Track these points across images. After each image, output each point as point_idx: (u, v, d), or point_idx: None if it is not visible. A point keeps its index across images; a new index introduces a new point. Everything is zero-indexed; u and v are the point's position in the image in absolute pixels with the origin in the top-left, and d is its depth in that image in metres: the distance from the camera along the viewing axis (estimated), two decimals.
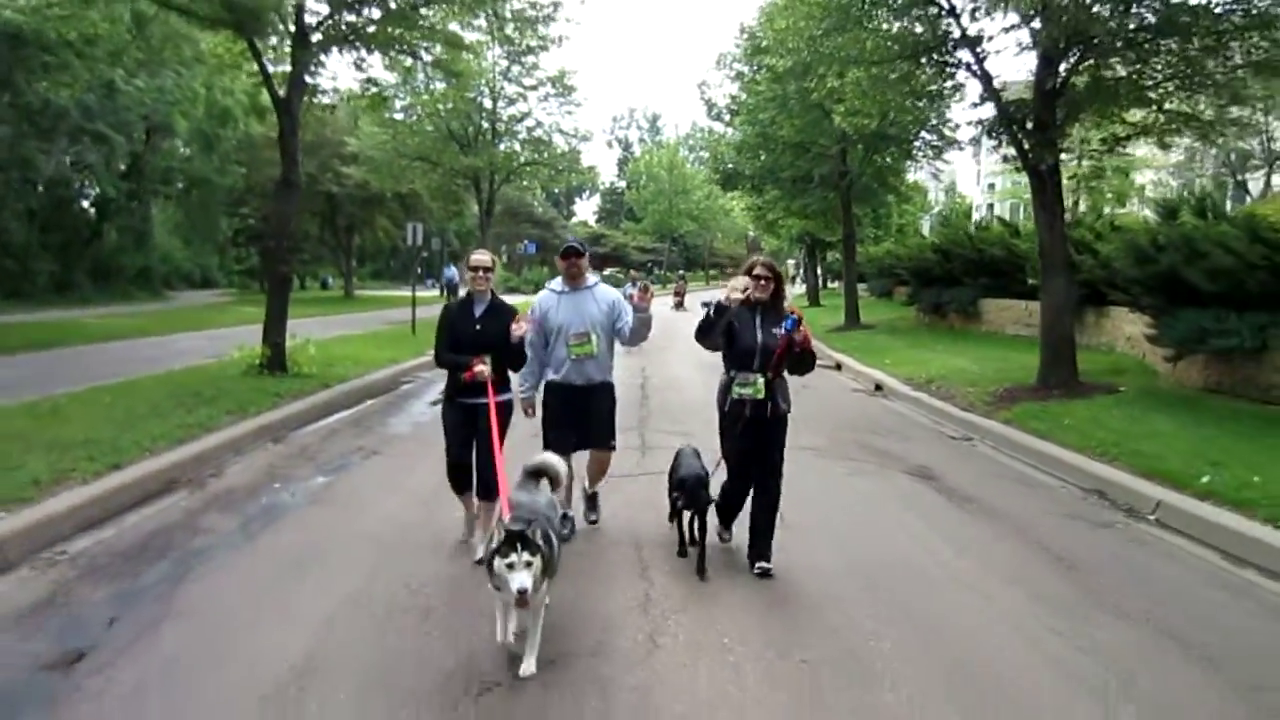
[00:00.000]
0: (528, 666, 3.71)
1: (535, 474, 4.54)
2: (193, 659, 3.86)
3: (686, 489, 5.07)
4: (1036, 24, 10.00)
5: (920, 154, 22.44)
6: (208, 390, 10.18)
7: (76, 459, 6.70)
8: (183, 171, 36.13)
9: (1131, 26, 9.70)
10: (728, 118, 27.08)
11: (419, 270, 42.02)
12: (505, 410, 5.31)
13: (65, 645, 3.99)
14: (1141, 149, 20.27)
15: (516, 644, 3.86)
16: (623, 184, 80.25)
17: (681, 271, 49.17)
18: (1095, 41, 9.94)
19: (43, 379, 11.02)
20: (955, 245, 20.79)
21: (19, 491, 5.85)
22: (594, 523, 5.89)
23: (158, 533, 5.72)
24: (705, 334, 5.04)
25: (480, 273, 5.33)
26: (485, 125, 24.91)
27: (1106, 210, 28.64)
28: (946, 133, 20.65)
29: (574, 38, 45.04)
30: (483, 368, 5.10)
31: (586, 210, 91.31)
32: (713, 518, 5.35)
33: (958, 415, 10.51)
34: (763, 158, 23.55)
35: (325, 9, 11.38)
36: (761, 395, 4.97)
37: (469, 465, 5.32)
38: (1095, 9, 9.52)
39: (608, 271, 49.36)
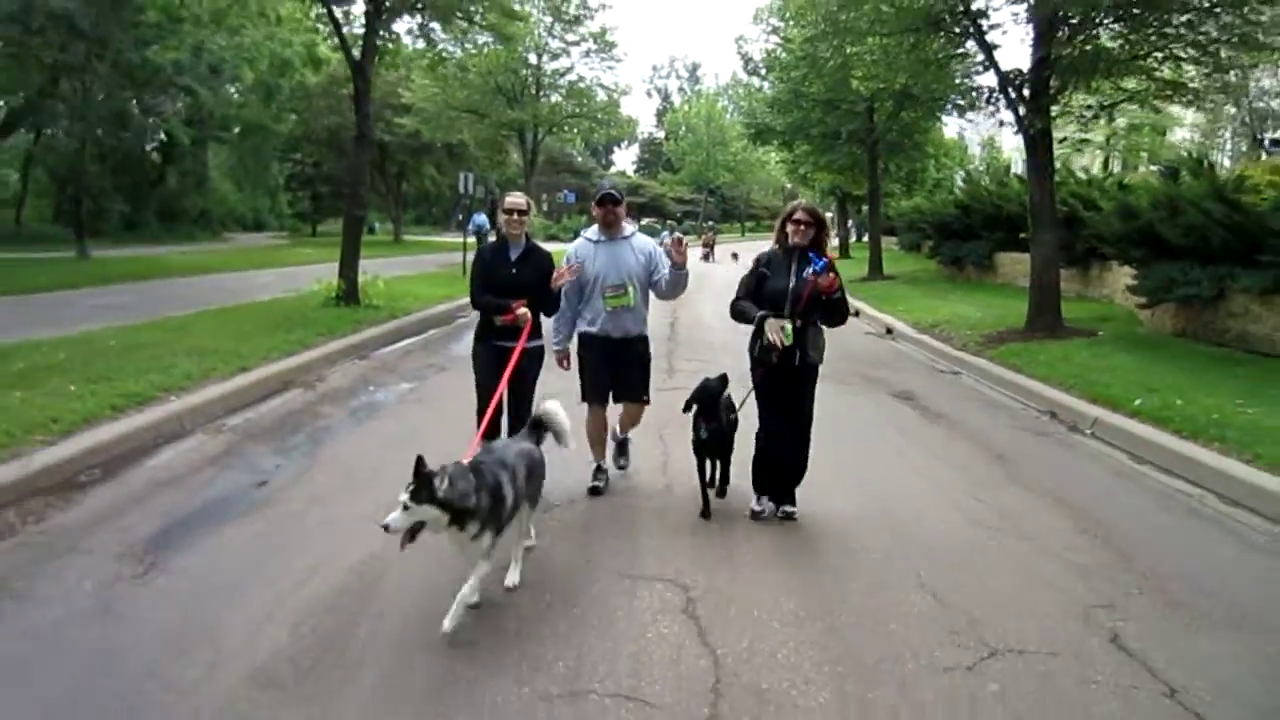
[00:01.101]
0: (449, 623, 3.54)
1: (535, 425, 4.51)
2: (335, 492, 5.41)
3: (696, 393, 5.02)
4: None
5: (944, 113, 23.32)
6: (297, 316, 11.87)
7: (214, 362, 8.36)
8: (239, 118, 37.81)
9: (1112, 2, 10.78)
10: (763, 72, 28.07)
11: (459, 217, 43.63)
12: (538, 356, 5.30)
13: (252, 477, 5.63)
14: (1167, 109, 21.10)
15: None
16: (661, 134, 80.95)
17: (711, 222, 50.00)
18: (1084, 16, 11.07)
19: (153, 304, 12.76)
20: (975, 201, 21.86)
21: (180, 382, 7.52)
22: (623, 468, 5.89)
23: (289, 415, 7.37)
24: (738, 318, 5.11)
25: (515, 215, 5.19)
26: (530, 80, 26.16)
27: (1141, 169, 29.41)
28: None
29: None
30: (525, 310, 5.03)
31: (625, 160, 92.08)
32: (744, 484, 5.29)
33: (951, 353, 11.87)
34: (794, 114, 24.57)
35: None
36: (790, 341, 4.82)
37: (500, 414, 5.03)
38: None
39: (645, 222, 50.56)
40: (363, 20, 13.04)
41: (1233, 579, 4.57)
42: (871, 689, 3.27)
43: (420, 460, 3.44)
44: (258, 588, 3.94)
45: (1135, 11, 11.08)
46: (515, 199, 5.28)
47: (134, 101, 18.91)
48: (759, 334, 4.94)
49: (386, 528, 3.39)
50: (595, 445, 5.63)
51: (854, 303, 18.30)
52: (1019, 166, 47.92)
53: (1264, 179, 11.26)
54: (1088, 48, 11.42)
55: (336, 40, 13.46)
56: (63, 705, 3.04)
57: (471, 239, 35.32)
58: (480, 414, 4.91)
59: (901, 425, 7.94)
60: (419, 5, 13.18)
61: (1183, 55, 11.65)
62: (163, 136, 32.60)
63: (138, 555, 4.32)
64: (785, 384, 4.99)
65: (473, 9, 13.43)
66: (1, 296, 13.00)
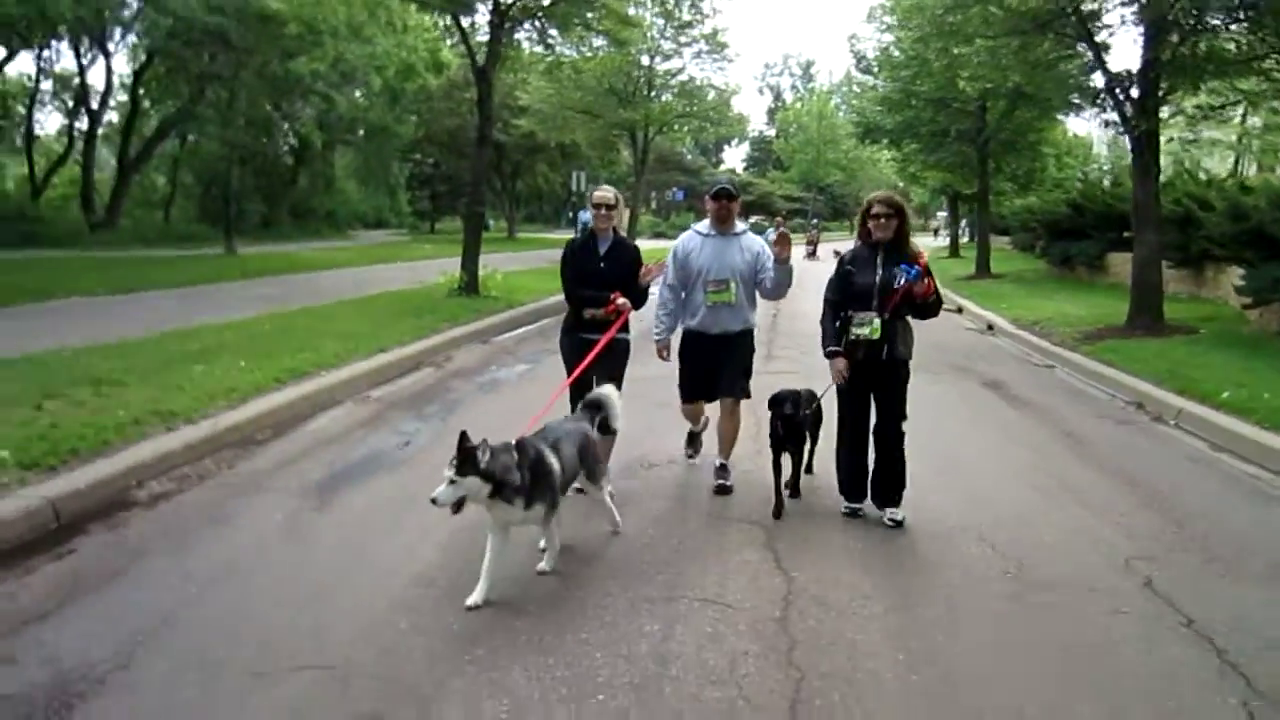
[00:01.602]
0: (545, 563, 4.08)
1: (590, 406, 4.70)
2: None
3: (778, 403, 5.04)
4: None
5: (1059, 113, 23.02)
6: (425, 305, 12.98)
7: (356, 344, 9.41)
8: (365, 121, 39.95)
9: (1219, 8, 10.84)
10: (876, 70, 28.17)
11: (570, 214, 45.00)
12: (624, 350, 5.35)
13: (397, 438, 6.55)
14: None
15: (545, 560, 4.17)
16: (771, 132, 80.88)
17: (816, 220, 49.86)
18: (1197, 17, 11.13)
19: (297, 295, 14.07)
20: (1087, 200, 21.60)
21: (329, 360, 8.57)
22: (691, 457, 6.03)
23: (424, 389, 8.34)
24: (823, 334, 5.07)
25: (602, 210, 5.25)
26: (642, 80, 26.99)
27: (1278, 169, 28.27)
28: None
29: None
30: (625, 300, 5.10)
31: (735, 158, 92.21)
32: (831, 488, 5.29)
33: (1048, 349, 12.08)
34: (904, 112, 24.67)
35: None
36: (877, 336, 4.76)
37: None
38: None
39: (753, 219, 50.90)
40: (487, 29, 14.01)
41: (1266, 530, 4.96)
42: (922, 605, 3.88)
43: (464, 435, 3.66)
44: (410, 521, 4.75)
45: (1249, 13, 11.06)
46: (603, 193, 5.34)
47: (276, 108, 20.55)
48: (845, 328, 4.89)
49: (435, 501, 3.60)
50: (690, 419, 5.84)
51: (957, 300, 18.76)
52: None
53: None
54: (1199, 48, 11.45)
55: (462, 47, 14.47)
56: (273, 595, 3.90)
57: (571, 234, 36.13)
58: (573, 402, 5.07)
59: (984, 410, 8.37)
60: (539, 14, 14.09)
61: None
62: (293, 141, 34.74)
63: (312, 494, 5.24)
64: (872, 381, 4.91)
65: (590, 15, 14.28)
66: (168, 289, 14.53)
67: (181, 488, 5.27)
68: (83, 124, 29.04)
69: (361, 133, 40.95)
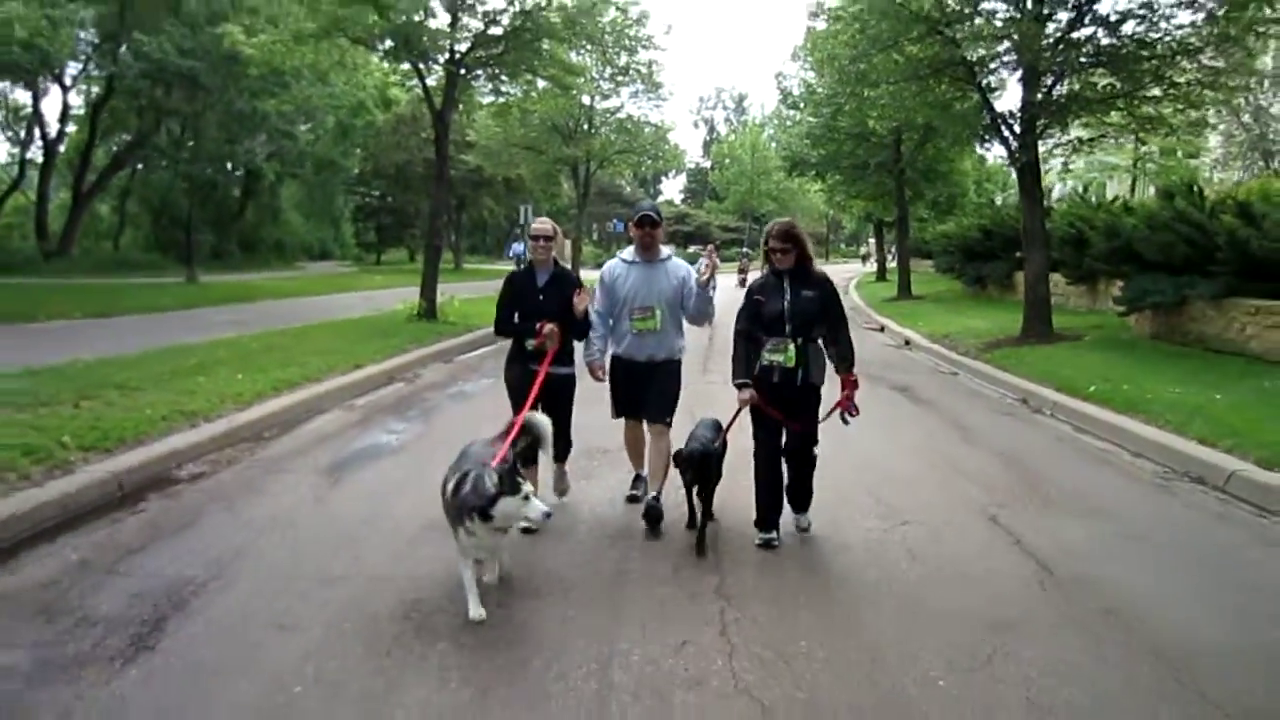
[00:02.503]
0: (475, 611, 3.89)
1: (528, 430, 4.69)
2: (448, 442, 7.21)
3: (679, 461, 4.93)
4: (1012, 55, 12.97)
5: (960, 146, 24.87)
6: (390, 329, 14.03)
7: (334, 360, 10.45)
8: (312, 155, 40.76)
9: (1080, 59, 12.56)
10: (800, 106, 29.93)
11: (512, 245, 46.22)
12: (569, 383, 5.34)
13: (387, 435, 7.64)
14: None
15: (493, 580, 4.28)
16: (707, 164, 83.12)
17: (745, 249, 51.47)
18: (1059, 66, 12.85)
19: (261, 320, 14.99)
20: (995, 225, 23.44)
21: (314, 374, 9.61)
22: (634, 500, 5.67)
23: (401, 399, 9.43)
24: (733, 362, 5.05)
25: (540, 241, 5.23)
26: (583, 118, 28.34)
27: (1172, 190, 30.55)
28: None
29: (663, 27, 48.87)
30: (552, 327, 5.08)
31: (673, 189, 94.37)
32: (743, 515, 5.19)
33: (954, 358, 13.54)
34: (827, 146, 26.37)
35: (468, 45, 14.91)
36: (792, 364, 4.81)
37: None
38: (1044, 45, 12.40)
39: (692, 249, 52.52)
40: (442, 75, 15.19)
41: (1108, 496, 6.28)
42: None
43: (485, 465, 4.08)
44: (413, 491, 5.78)
45: (1103, 61, 12.80)
46: (541, 225, 5.34)
47: (230, 142, 21.45)
48: (756, 354, 4.92)
49: (550, 514, 4.00)
50: (633, 456, 5.76)
51: (880, 319, 20.32)
52: (1058, 190, 49.38)
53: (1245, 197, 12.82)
54: (1065, 92, 13.15)
55: (419, 90, 15.58)
56: (315, 535, 4.98)
57: (511, 265, 37.32)
58: (510, 430, 4.67)
59: (890, 408, 9.67)
60: (490, 62, 15.32)
61: (1153, 96, 13.31)
62: (241, 174, 35.39)
63: (326, 474, 6.32)
64: (785, 406, 4.92)
65: (537, 64, 15.54)
66: (143, 314, 15.36)
67: (215, 469, 6.31)
68: (34, 154, 29.52)
69: (308, 166, 41.78)
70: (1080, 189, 27.29)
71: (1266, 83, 25.75)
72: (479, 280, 33.05)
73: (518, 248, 38.31)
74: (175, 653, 3.51)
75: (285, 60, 14.39)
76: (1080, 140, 14.99)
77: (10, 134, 32.55)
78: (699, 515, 4.97)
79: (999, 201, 40.66)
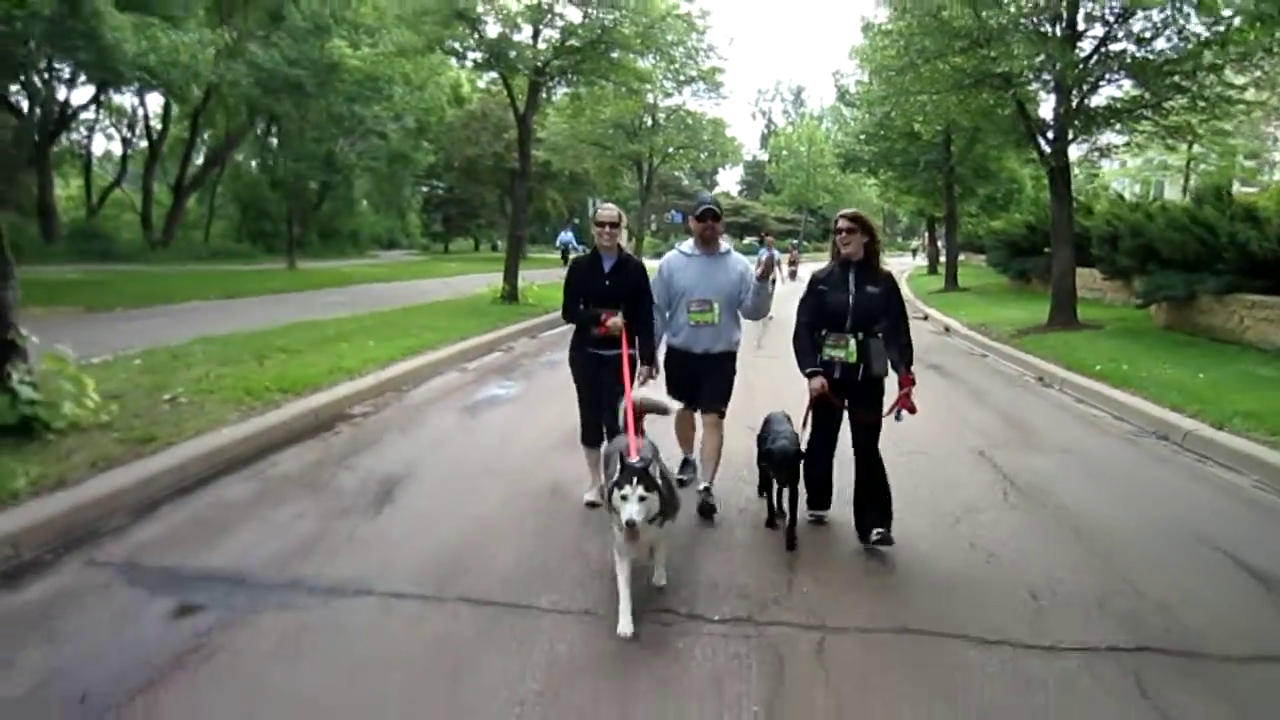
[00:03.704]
0: (659, 576, 4.15)
1: (638, 416, 4.62)
2: (550, 395, 9.03)
3: (774, 461, 4.86)
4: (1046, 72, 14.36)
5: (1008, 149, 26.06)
6: (479, 310, 15.90)
7: (441, 335, 12.29)
8: (388, 150, 43.07)
9: (1107, 75, 13.92)
10: (856, 104, 31.24)
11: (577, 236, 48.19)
12: (633, 364, 5.19)
13: (498, 391, 9.44)
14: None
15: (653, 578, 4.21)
16: (764, 156, 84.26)
17: (794, 241, 52.53)
18: (1089, 81, 14.22)
19: (365, 301, 16.97)
20: (1040, 222, 24.59)
21: (429, 343, 11.45)
22: (710, 510, 5.41)
23: (503, 365, 11.24)
24: (796, 354, 4.99)
25: (606, 228, 5.17)
26: (647, 116, 29.99)
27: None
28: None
29: (726, 38, 50.63)
30: (616, 319, 5.06)
31: (729, 181, 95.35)
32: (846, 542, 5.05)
33: (987, 343, 14.99)
34: (880, 144, 27.71)
35: (551, 54, 16.67)
36: (854, 360, 4.78)
37: (600, 420, 5.23)
38: (1073, 61, 13.77)
39: (748, 240, 53.95)
40: (527, 86, 16.99)
41: (1081, 444, 7.84)
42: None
43: (623, 455, 3.98)
44: (531, 425, 7.57)
45: (1131, 74, 14.14)
46: (607, 212, 5.26)
47: (332, 144, 23.64)
48: (820, 347, 4.87)
49: (632, 524, 3.64)
50: (682, 441, 5.88)
51: (926, 309, 21.73)
52: (1116, 186, 49.85)
53: (1266, 204, 14.06)
54: (1093, 103, 14.52)
55: (493, 90, 17.35)
56: (472, 448, 6.77)
57: (557, 255, 38.50)
58: (585, 422, 5.45)
59: (921, 382, 11.10)
60: (570, 72, 17.09)
61: (1174, 106, 14.62)
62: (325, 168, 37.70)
63: (462, 413, 8.15)
64: (849, 399, 4.89)
65: (610, 72, 17.27)
66: (261, 295, 17.47)
67: (377, 410, 8.16)
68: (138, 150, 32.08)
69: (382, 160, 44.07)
70: (1135, 189, 28.27)
71: None
72: (543, 268, 35.07)
73: (565, 236, 39.72)
74: (404, 507, 5.33)
75: (386, 71, 16.24)
76: (1111, 146, 16.26)
77: (115, 131, 35.22)
78: (788, 512, 4.90)
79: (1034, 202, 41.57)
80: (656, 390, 5.25)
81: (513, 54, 15.74)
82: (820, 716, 3.15)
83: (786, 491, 4.91)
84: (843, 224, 4.83)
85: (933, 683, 3.42)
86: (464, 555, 4.53)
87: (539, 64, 16.23)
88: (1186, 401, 8.74)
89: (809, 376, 4.82)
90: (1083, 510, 5.69)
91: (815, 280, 4.99)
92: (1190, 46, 12.96)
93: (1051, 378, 11.43)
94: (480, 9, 15.86)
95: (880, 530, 4.76)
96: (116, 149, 36.88)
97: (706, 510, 5.30)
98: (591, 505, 5.27)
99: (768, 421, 5.26)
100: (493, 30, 16.21)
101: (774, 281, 5.83)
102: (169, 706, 3.08)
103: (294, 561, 4.39)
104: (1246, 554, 4.90)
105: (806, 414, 4.94)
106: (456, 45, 16.00)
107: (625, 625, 3.66)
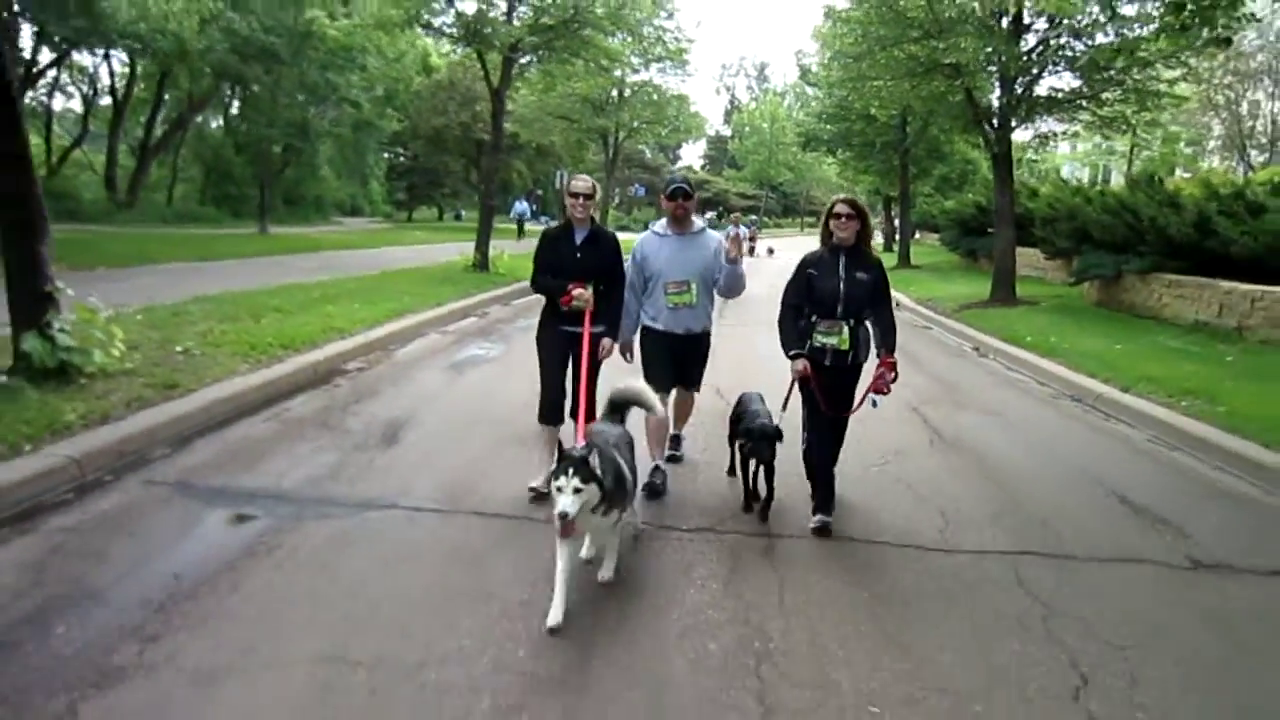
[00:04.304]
0: (606, 572, 3.99)
1: (621, 405, 4.57)
2: (526, 357, 9.80)
3: (754, 438, 4.86)
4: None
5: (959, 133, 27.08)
6: (452, 277, 16.56)
7: (420, 299, 12.97)
8: (352, 117, 43.14)
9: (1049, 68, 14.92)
10: (817, 84, 32.11)
11: (533, 207, 48.72)
12: (603, 342, 5.17)
13: (478, 352, 10.19)
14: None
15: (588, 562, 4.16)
16: (727, 132, 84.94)
17: (753, 218, 53.39)
18: (1030, 73, 15.19)
19: (340, 267, 17.52)
20: (990, 202, 25.68)
21: (409, 307, 12.14)
22: (677, 460, 5.93)
23: (481, 328, 11.98)
24: (781, 336, 4.98)
25: (580, 199, 5.05)
26: (615, 92, 30.60)
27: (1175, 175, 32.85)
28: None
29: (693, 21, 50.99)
30: (581, 290, 4.92)
31: (692, 156, 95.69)
32: (800, 491, 5.16)
33: (931, 316, 16.00)
34: (838, 124, 28.63)
35: (525, 32, 17.26)
36: (846, 346, 4.76)
37: (561, 400, 5.18)
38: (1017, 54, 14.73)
39: (709, 215, 54.76)
40: (500, 61, 17.57)
41: (1004, 404, 8.81)
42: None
43: (561, 444, 3.74)
44: (512, 383, 8.23)
45: (1069, 68, 15.14)
46: (581, 183, 5.14)
47: (304, 111, 23.96)
48: (807, 334, 4.84)
49: (566, 515, 3.49)
50: (655, 443, 5.51)
51: None
52: (1066, 170, 51.45)
53: (1190, 191, 15.15)
54: (1036, 94, 15.51)
55: (461, 60, 17.89)
56: (459, 401, 7.54)
57: (512, 225, 38.48)
58: (544, 400, 5.20)
59: None
60: (539, 49, 17.69)
61: (1110, 98, 15.66)
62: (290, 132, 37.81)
63: (448, 370, 8.91)
64: (834, 384, 4.86)
65: (581, 50, 17.90)
66: (239, 258, 17.94)
67: (369, 366, 8.87)
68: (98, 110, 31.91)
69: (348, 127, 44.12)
70: (1084, 173, 29.48)
71: (1245, 83, 28.11)
72: (512, 239, 35.66)
73: (519, 207, 39.77)
74: (410, 445, 6.11)
75: (360, 42, 16.71)
76: (1052, 134, 17.30)
77: (71, 92, 34.93)
78: (763, 494, 5.00)
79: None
80: (633, 376, 5.10)
81: (488, 30, 16.28)
82: (765, 587, 4.03)
83: (763, 470, 4.96)
84: (842, 209, 4.78)
85: (856, 570, 4.32)
86: (468, 481, 5.32)
87: (513, 41, 16.81)
88: (1101, 369, 9.75)
89: (792, 359, 4.81)
90: (994, 455, 6.63)
91: (804, 264, 4.91)
92: (1121, 42, 13.92)
93: (986, 348, 12.43)
94: None
95: (824, 519, 4.82)
96: (76, 106, 36.73)
97: (674, 445, 5.94)
98: (534, 493, 5.04)
99: (742, 401, 5.35)
100: (470, 6, 16.76)
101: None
102: (249, 581, 3.85)
103: (325, 483, 5.17)
104: (1124, 489, 5.87)
105: (788, 396, 5.00)
106: (433, 21, 16.51)
107: (554, 616, 3.57)
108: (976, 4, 14.30)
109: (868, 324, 4.88)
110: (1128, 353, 10.75)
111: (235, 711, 2.91)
